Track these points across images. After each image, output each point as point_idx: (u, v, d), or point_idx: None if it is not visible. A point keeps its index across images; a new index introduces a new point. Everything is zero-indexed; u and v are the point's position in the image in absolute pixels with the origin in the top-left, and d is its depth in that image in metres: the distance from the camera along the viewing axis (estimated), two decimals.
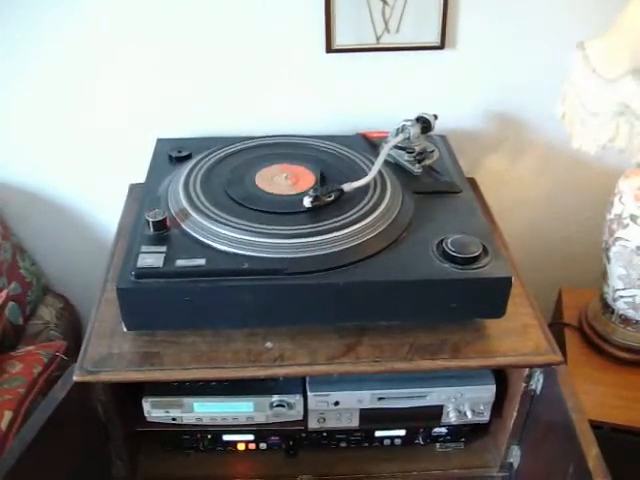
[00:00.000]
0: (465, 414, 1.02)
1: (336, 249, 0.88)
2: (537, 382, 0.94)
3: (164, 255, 0.86)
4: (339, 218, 0.92)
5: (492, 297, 0.89)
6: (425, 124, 1.09)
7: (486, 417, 1.04)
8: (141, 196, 1.02)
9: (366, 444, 1.09)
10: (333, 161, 1.08)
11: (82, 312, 1.54)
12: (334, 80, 1.25)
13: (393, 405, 1.01)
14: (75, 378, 0.86)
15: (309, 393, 0.99)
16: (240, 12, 1.16)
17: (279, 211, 0.94)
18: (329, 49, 1.19)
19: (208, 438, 1.07)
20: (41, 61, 1.20)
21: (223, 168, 1.05)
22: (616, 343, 1.20)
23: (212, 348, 0.91)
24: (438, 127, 1.12)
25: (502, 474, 1.06)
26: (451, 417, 1.02)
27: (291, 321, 0.91)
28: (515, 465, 1.04)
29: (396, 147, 1.08)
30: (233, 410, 1.01)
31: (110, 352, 0.89)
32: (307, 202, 0.93)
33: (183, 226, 0.91)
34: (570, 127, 1.04)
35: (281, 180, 1.01)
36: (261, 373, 0.89)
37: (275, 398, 0.99)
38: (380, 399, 1.00)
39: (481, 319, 0.94)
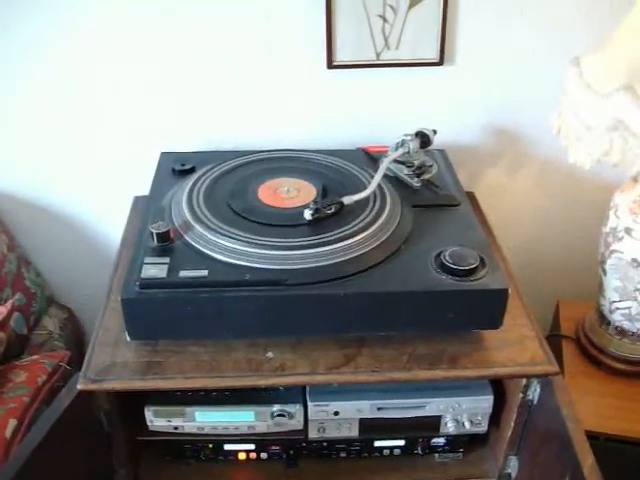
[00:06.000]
0: (463, 424, 1.03)
1: (336, 260, 0.90)
2: (534, 392, 0.95)
3: (167, 266, 0.88)
4: (339, 230, 0.94)
5: (489, 308, 0.90)
6: (424, 139, 1.11)
7: (484, 427, 1.05)
8: (145, 208, 1.04)
9: (365, 454, 1.10)
10: (334, 175, 1.10)
11: (85, 323, 1.55)
12: (335, 95, 1.26)
13: (392, 415, 1.02)
14: (79, 387, 0.87)
15: (309, 403, 1.00)
16: (243, 28, 1.19)
17: (280, 223, 0.95)
18: (330, 65, 1.21)
19: (209, 447, 1.08)
20: (45, 74, 1.22)
21: (226, 181, 1.07)
22: (612, 354, 1.21)
23: (214, 358, 0.92)
24: (437, 141, 1.13)
25: None
26: (449, 427, 1.03)
27: (292, 331, 0.93)
28: (513, 475, 1.05)
29: (396, 161, 1.10)
30: (234, 419, 1.02)
31: (114, 361, 0.91)
32: (308, 215, 0.95)
33: (186, 238, 0.93)
34: (566, 141, 1.06)
35: (283, 193, 1.03)
36: (262, 382, 0.90)
37: (276, 408, 1.00)
38: (379, 409, 1.01)
39: (479, 330, 0.95)
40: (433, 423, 1.04)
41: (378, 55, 1.20)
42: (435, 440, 1.08)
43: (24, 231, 1.41)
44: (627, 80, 0.93)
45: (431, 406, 1.02)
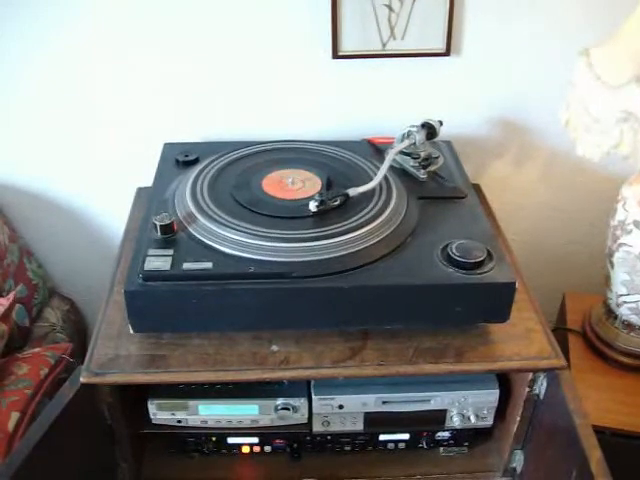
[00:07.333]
0: (469, 418, 1.03)
1: (341, 253, 0.89)
2: (540, 387, 0.95)
3: (171, 258, 0.87)
4: (344, 223, 0.93)
5: (496, 302, 0.90)
6: (430, 130, 1.10)
7: (489, 421, 1.04)
8: (148, 200, 1.03)
9: (370, 448, 1.10)
10: (339, 166, 1.09)
11: (88, 315, 1.55)
12: (340, 86, 1.25)
13: (397, 409, 1.02)
14: (82, 380, 0.87)
15: (314, 396, 1.00)
16: (247, 18, 1.17)
17: (285, 215, 0.95)
18: (335, 55, 1.20)
19: (213, 441, 1.08)
20: (48, 64, 1.21)
21: (230, 172, 1.06)
22: (619, 349, 1.20)
23: (218, 351, 0.91)
24: (443, 133, 1.12)
25: (505, 479, 1.06)
26: (455, 421, 1.03)
27: (296, 324, 0.92)
28: (518, 470, 1.04)
29: (401, 153, 1.09)
30: (238, 413, 1.01)
31: (117, 354, 0.90)
32: (313, 206, 0.94)
33: (190, 230, 0.92)
34: (574, 133, 1.05)
35: (287, 185, 1.02)
36: (266, 376, 0.89)
37: (280, 401, 1.00)
38: (384, 403, 1.01)
39: (485, 324, 0.95)
40: (438, 417, 1.03)
41: (384, 45, 1.19)
42: (440, 434, 1.08)
43: (26, 222, 1.40)
44: (638, 71, 0.91)
45: (436, 400, 1.01)
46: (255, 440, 1.08)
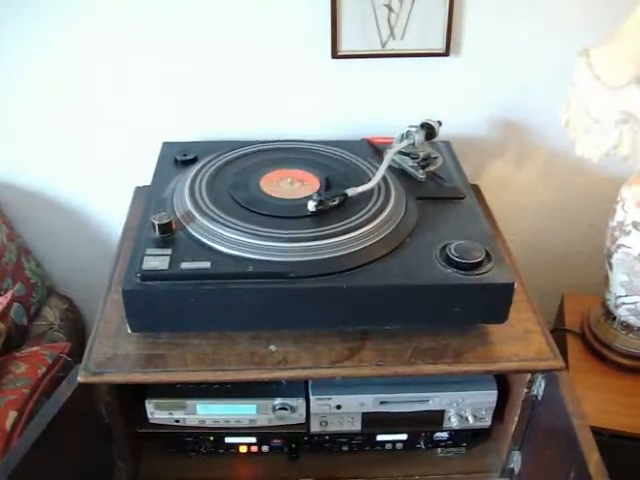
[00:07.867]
0: (467, 419, 1.03)
1: (340, 253, 0.89)
2: (539, 388, 0.94)
3: (169, 258, 0.87)
4: (343, 222, 0.93)
5: (495, 303, 0.89)
6: (429, 130, 1.10)
7: (487, 422, 1.04)
8: (147, 199, 1.03)
9: (368, 448, 1.09)
10: (338, 166, 1.08)
11: (86, 314, 1.54)
12: (339, 85, 1.25)
13: (395, 409, 1.01)
14: (79, 379, 0.87)
15: (312, 396, 0.99)
16: (246, 18, 1.17)
17: (283, 215, 0.94)
18: (335, 55, 1.20)
19: (210, 440, 1.08)
20: (48, 64, 1.21)
21: (228, 172, 1.05)
22: (617, 350, 1.20)
23: (216, 350, 0.91)
24: (442, 133, 1.12)
25: (503, 479, 1.06)
26: (453, 422, 1.03)
27: (295, 324, 0.92)
28: (516, 470, 1.04)
29: (400, 153, 1.09)
30: (236, 412, 1.01)
31: (115, 353, 0.90)
32: (311, 206, 0.94)
33: (188, 229, 0.92)
34: (573, 134, 1.05)
35: (286, 184, 1.02)
36: (264, 376, 0.89)
37: (278, 401, 1.00)
38: (382, 403, 1.01)
39: (483, 324, 0.95)
40: (436, 417, 1.03)
41: (383, 45, 1.19)
42: (438, 435, 1.08)
43: (25, 221, 1.40)
44: (638, 72, 0.91)
45: (434, 400, 1.01)
46: (253, 440, 1.08)
